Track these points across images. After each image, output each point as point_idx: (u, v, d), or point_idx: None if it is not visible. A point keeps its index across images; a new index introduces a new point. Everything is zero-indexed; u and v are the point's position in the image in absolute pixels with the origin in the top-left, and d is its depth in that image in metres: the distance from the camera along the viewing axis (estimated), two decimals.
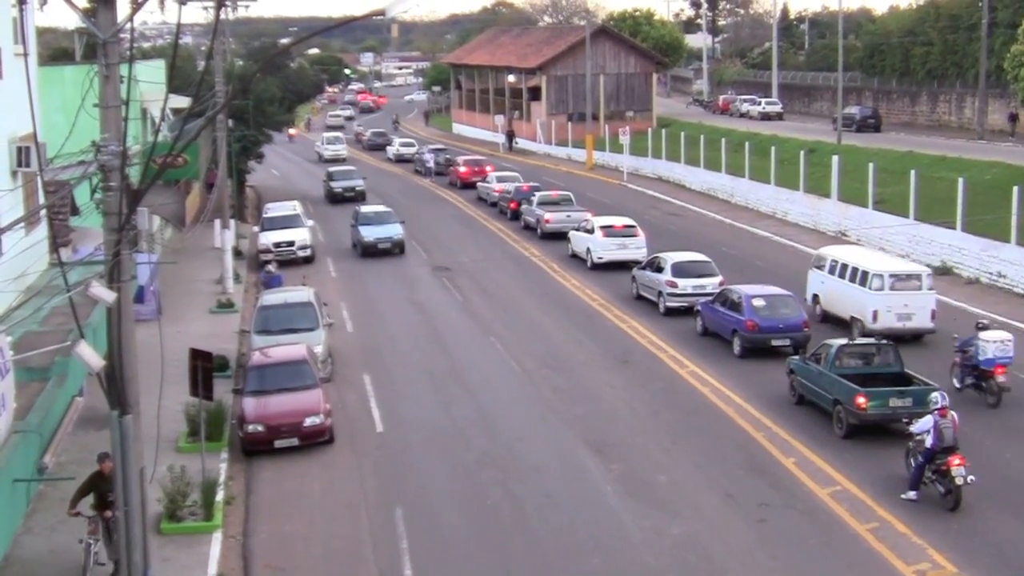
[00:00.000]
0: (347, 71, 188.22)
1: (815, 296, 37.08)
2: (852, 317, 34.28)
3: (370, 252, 50.26)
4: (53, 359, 25.55)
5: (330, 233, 57.55)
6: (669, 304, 38.40)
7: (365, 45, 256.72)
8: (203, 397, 23.90)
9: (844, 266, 35.31)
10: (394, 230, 51.53)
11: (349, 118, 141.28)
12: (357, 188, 68.48)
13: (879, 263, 35.10)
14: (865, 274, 34.11)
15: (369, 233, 50.92)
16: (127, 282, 15.78)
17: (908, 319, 33.56)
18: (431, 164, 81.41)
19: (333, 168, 73.92)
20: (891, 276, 33.81)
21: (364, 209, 54.69)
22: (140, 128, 46.00)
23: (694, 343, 35.16)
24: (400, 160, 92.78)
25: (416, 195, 71.00)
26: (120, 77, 15.35)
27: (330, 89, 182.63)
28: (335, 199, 68.03)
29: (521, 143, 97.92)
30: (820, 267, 37.00)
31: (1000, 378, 28.12)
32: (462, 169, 74.40)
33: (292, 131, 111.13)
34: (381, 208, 55.13)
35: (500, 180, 65.29)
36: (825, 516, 22.44)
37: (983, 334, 28.51)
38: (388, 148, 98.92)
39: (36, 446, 22.96)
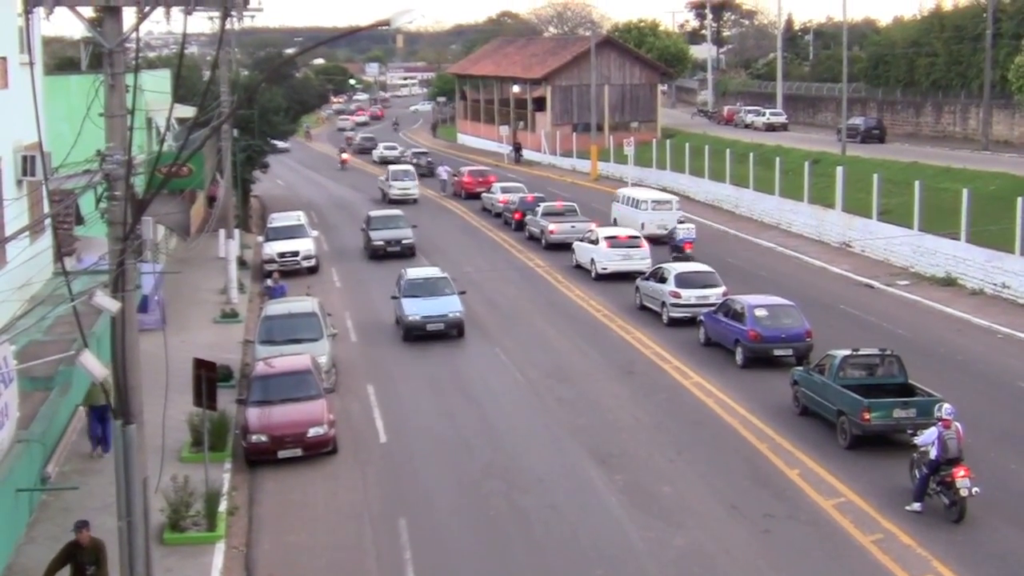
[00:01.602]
0: (352, 81, 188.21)
1: (615, 219, 56.51)
2: (632, 229, 50.12)
3: (416, 335, 37.40)
4: (57, 368, 25.56)
5: (334, 242, 57.55)
6: (672, 315, 38.38)
7: (370, 55, 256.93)
8: (207, 407, 23.89)
9: (628, 198, 57.07)
10: (449, 304, 37.86)
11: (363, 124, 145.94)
12: (404, 241, 52.84)
13: (646, 195, 57.34)
14: (638, 201, 55.75)
15: (415, 309, 37.51)
16: (131, 292, 15.79)
17: (664, 228, 52.43)
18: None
19: (374, 212, 57.45)
20: (653, 202, 55.80)
21: (411, 274, 40.11)
22: (145, 138, 46.05)
23: (697, 353, 35.13)
24: (384, 162, 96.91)
25: (420, 205, 70.96)
26: (126, 86, 15.37)
27: (335, 99, 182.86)
28: (376, 255, 52.65)
29: (526, 154, 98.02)
30: (617, 201, 58.24)
31: (687, 251, 47.69)
32: (465, 179, 75.01)
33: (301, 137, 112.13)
34: (433, 273, 40.60)
35: (504, 191, 65.40)
36: (829, 527, 22.39)
37: (679, 225, 50.63)
38: (373, 151, 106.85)
39: (39, 456, 22.96)
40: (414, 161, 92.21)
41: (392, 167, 76.98)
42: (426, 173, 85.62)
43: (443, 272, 40.64)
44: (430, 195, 76.57)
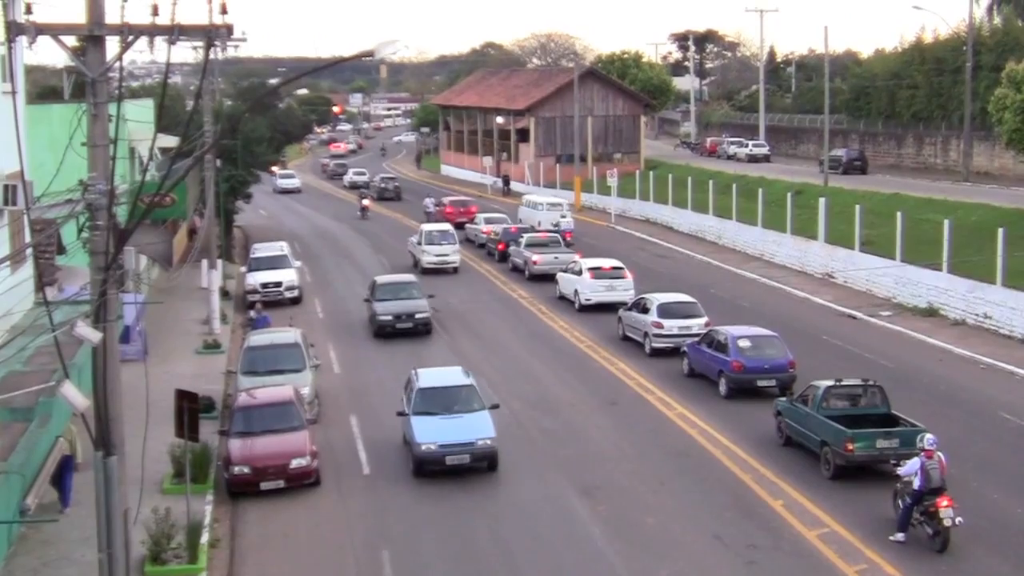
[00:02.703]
0: (335, 108, 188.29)
1: (520, 219, 67.28)
2: (531, 225, 64.06)
3: (430, 469, 27.47)
4: (37, 399, 25.38)
5: (317, 273, 57.47)
6: (655, 345, 38.41)
7: (354, 86, 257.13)
8: (188, 438, 23.78)
9: (530, 201, 70.11)
10: (477, 427, 27.66)
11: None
12: (418, 316, 42.56)
13: (543, 199, 70.35)
14: (537, 203, 68.74)
15: (431, 435, 27.36)
16: (113, 322, 15.71)
17: (558, 225, 63.66)
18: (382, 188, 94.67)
19: (380, 278, 46.88)
20: (548, 204, 68.26)
21: (426, 379, 29.45)
22: (128, 167, 45.97)
23: (681, 384, 35.13)
24: (354, 187, 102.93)
25: (401, 234, 70.83)
26: (108, 116, 15.34)
27: (319, 130, 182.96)
28: (382, 333, 42.47)
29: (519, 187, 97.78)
30: (523, 204, 71.27)
31: (568, 239, 59.05)
32: (447, 209, 74.93)
33: (274, 168, 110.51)
34: (456, 378, 29.94)
35: (488, 222, 65.45)
36: (813, 558, 22.35)
37: (563, 219, 64.83)
38: (344, 176, 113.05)
39: (18, 487, 22.76)
40: (382, 185, 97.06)
41: (426, 227, 59.80)
42: (393, 198, 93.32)
43: (469, 376, 30.05)
44: (412, 225, 76.45)
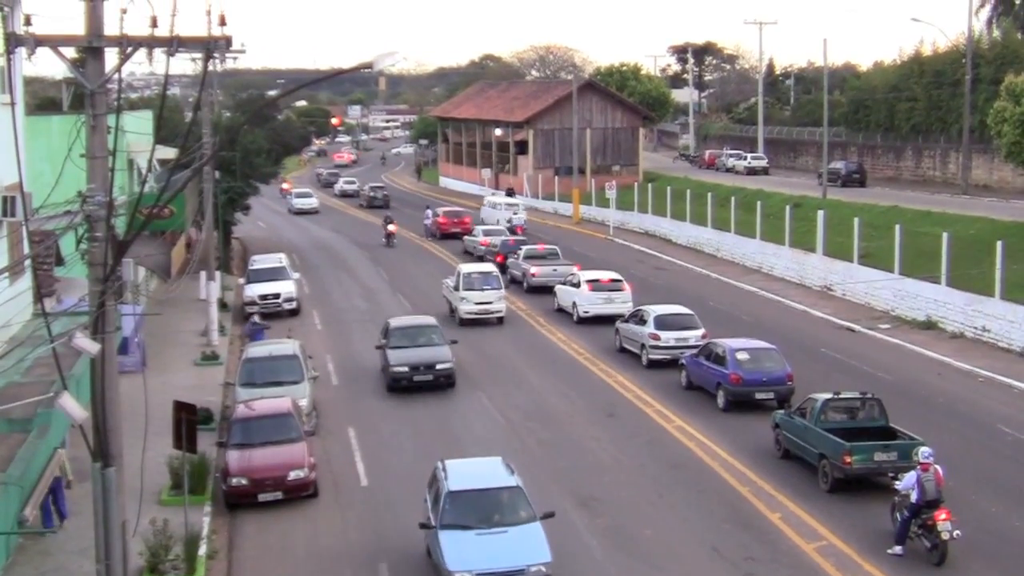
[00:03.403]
0: (333, 120, 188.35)
1: (483, 218, 76.98)
2: (493, 223, 73.00)
3: None
4: (35, 410, 25.37)
5: (315, 285, 57.48)
6: (652, 356, 38.44)
7: (353, 98, 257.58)
8: (187, 450, 23.77)
9: (491, 202, 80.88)
10: (523, 549, 21.21)
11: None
12: (439, 367, 36.32)
13: (501, 200, 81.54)
14: (496, 204, 79.90)
15: (463, 558, 21.01)
16: (111, 333, 15.72)
17: (510, 222, 73.10)
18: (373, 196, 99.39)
19: (395, 321, 39.70)
20: (506, 204, 79.54)
21: (455, 473, 23.17)
22: (127, 179, 46.01)
23: (679, 396, 35.13)
24: (344, 195, 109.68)
25: (401, 246, 70.96)
26: (107, 127, 15.36)
27: (318, 141, 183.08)
28: (397, 386, 36.27)
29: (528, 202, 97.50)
30: (484, 205, 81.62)
31: (519, 233, 66.36)
32: (441, 220, 75.32)
33: (285, 186, 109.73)
34: (499, 477, 23.23)
35: (486, 233, 65.51)
36: (811, 571, 22.33)
37: (515, 216, 74.82)
38: (335, 185, 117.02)
39: (16, 499, 22.73)
40: (371, 194, 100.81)
41: (464, 268, 48.56)
42: (381, 206, 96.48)
43: (512, 474, 23.25)
44: (410, 236, 76.56)
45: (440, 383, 36.05)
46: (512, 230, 68.81)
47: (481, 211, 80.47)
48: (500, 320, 46.65)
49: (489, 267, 49.63)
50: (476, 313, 46.28)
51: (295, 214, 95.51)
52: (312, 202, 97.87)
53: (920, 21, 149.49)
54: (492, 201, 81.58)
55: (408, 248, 71.27)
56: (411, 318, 40.03)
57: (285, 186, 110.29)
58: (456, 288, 47.16)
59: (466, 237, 68.74)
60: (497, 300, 46.60)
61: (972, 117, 75.80)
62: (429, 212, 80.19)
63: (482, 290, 46.56)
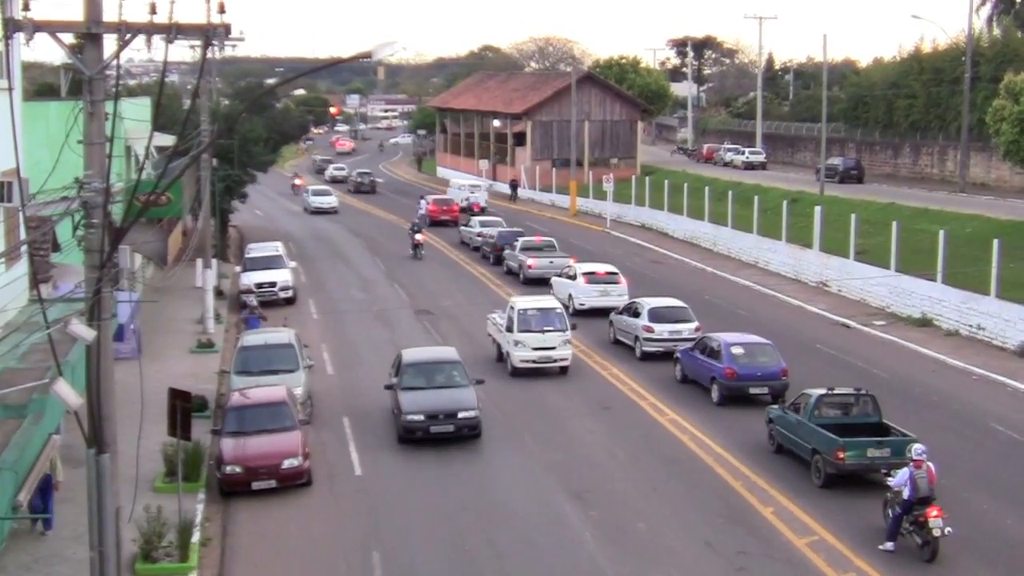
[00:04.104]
0: (332, 109, 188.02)
1: (449, 196, 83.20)
2: (459, 201, 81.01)
3: None
4: (30, 396, 25.37)
5: (312, 274, 57.46)
6: (645, 349, 38.50)
7: (351, 87, 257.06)
8: (181, 437, 23.77)
9: (457, 184, 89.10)
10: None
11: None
12: (462, 415, 30.15)
13: (467, 181, 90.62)
14: (462, 185, 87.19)
15: None
16: (107, 320, 15.73)
17: (467, 200, 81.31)
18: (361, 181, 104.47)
19: (409, 354, 32.97)
20: (470, 185, 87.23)
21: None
22: (124, 166, 45.95)
23: (673, 390, 35.16)
24: (334, 181, 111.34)
25: (392, 234, 70.83)
26: (105, 114, 15.36)
27: (316, 130, 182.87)
28: (410, 437, 30.04)
29: (505, 189, 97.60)
30: (450, 186, 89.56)
31: (476, 210, 76.08)
32: (431, 207, 75.66)
33: (297, 182, 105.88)
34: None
35: (483, 224, 65.45)
36: (803, 566, 22.38)
37: (472, 195, 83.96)
38: (325, 172, 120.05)
39: (11, 484, 22.72)
40: (358, 180, 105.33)
41: (520, 303, 38.09)
42: (368, 191, 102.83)
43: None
44: (397, 220, 76.31)
45: (463, 434, 29.95)
46: (470, 208, 79.05)
47: (448, 191, 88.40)
48: (563, 371, 37.33)
49: (551, 301, 39.49)
50: (534, 361, 36.83)
51: (312, 213, 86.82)
52: (331, 200, 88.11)
53: (920, 18, 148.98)
54: (457, 183, 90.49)
55: (403, 239, 70.84)
56: (428, 351, 34.31)
57: (298, 182, 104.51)
58: (509, 328, 37.34)
59: (462, 228, 68.65)
60: (561, 345, 36.92)
61: (971, 115, 75.86)
62: (423, 202, 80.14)
63: (543, 332, 36.92)
